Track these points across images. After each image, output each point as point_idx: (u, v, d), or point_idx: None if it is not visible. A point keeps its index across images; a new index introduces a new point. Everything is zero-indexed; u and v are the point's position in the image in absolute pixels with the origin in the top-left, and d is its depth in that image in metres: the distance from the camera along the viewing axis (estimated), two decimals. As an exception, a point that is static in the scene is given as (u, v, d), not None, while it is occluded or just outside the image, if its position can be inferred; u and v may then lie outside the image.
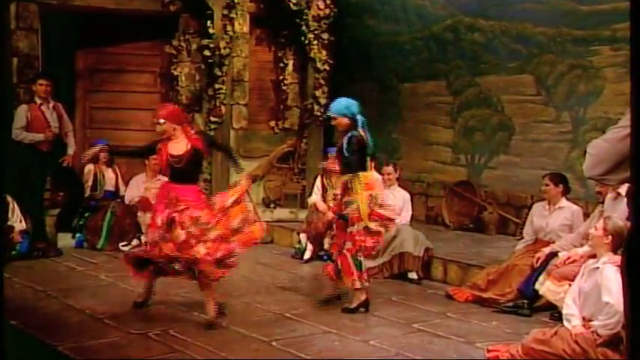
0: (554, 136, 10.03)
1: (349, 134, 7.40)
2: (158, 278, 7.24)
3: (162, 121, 6.92)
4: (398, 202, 9.49)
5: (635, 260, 2.58)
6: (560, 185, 8.00)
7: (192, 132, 7.11)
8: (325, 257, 9.87)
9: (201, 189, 7.28)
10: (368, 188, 7.37)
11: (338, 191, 7.82)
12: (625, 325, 2.81)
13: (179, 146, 6.91)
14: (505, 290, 7.70)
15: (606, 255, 5.79)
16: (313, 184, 10.50)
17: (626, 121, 2.81)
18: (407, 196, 9.66)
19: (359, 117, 7.47)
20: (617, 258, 5.67)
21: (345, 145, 7.36)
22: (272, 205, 12.09)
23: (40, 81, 10.08)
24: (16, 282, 8.04)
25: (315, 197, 10.14)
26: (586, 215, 8.04)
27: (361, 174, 7.39)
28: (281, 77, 12.46)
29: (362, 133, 7.42)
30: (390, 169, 9.60)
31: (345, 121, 7.46)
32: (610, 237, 5.78)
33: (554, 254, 7.42)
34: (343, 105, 7.55)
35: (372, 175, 7.63)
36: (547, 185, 8.04)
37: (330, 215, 9.08)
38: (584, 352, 5.55)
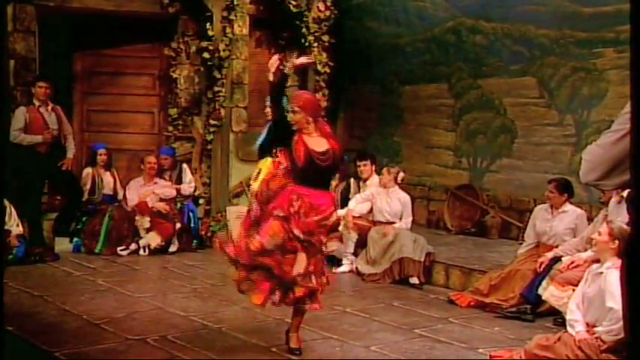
0: (558, 140, 9.97)
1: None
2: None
3: (296, 109, 6.14)
4: (393, 204, 9.42)
5: (636, 266, 2.53)
6: (565, 193, 7.96)
7: (329, 129, 6.27)
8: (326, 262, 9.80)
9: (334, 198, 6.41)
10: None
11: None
12: (624, 329, 2.76)
13: (319, 142, 6.07)
14: (508, 295, 7.66)
15: (610, 260, 5.74)
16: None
17: (618, 124, 2.82)
18: (406, 198, 9.56)
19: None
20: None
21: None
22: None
23: (40, 83, 10.08)
24: (12, 287, 7.96)
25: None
26: (589, 219, 7.99)
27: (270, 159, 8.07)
28: (281, 80, 12.38)
29: None
30: (386, 170, 9.59)
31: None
32: (616, 242, 5.73)
33: (557, 259, 7.36)
34: None
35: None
36: (552, 192, 7.99)
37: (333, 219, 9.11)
38: (588, 358, 5.52)
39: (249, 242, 5.87)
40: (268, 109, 8.42)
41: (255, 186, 8.19)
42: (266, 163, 8.30)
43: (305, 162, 5.92)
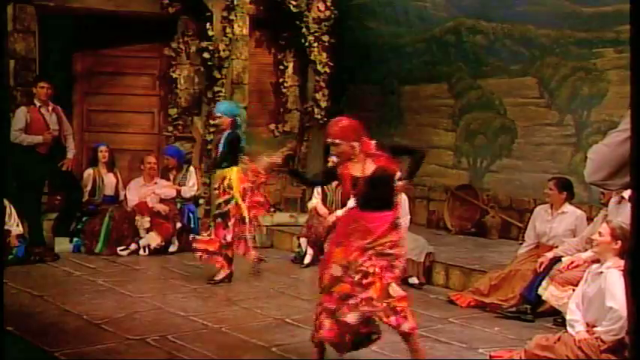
0: (558, 140, 9.96)
1: (228, 132, 8.65)
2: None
3: (337, 141, 5.66)
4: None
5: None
6: (564, 192, 7.93)
7: (374, 146, 5.74)
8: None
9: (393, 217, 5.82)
10: (241, 182, 8.58)
11: (216, 185, 8.92)
12: (629, 330, 2.75)
13: (362, 166, 5.68)
14: (508, 295, 7.65)
15: (611, 259, 5.73)
16: (313, 188, 10.46)
17: (625, 124, 2.80)
18: (403, 197, 9.51)
19: (238, 118, 8.73)
20: (622, 262, 5.60)
21: (223, 142, 8.63)
22: (272, 209, 12.00)
23: (42, 84, 10.07)
24: (12, 287, 7.95)
25: (315, 201, 10.12)
26: (589, 219, 7.98)
27: (235, 168, 8.61)
28: (281, 80, 12.41)
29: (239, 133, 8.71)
30: None
31: (228, 120, 8.67)
32: (619, 242, 5.72)
33: (557, 259, 7.35)
34: (227, 106, 8.97)
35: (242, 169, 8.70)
36: (551, 190, 7.98)
37: (333, 219, 9.25)
38: (588, 358, 5.50)
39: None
40: (219, 120, 8.71)
41: (235, 197, 8.58)
42: (232, 173, 8.54)
43: (349, 190, 5.76)
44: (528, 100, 10.34)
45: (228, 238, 8.57)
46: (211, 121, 9.16)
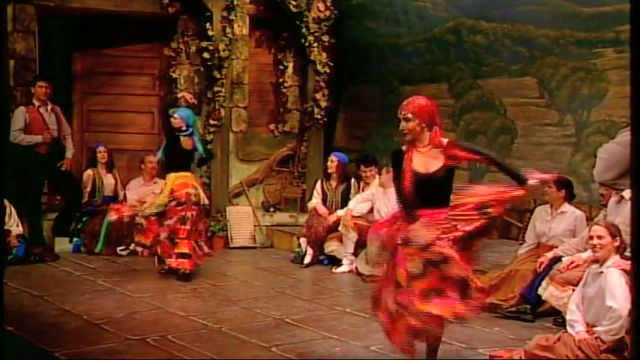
0: (558, 140, 9.94)
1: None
2: None
3: (409, 115, 5.53)
4: (391, 204, 9.38)
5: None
6: (563, 190, 7.93)
7: (444, 139, 5.55)
8: (326, 262, 9.82)
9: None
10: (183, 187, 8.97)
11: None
12: (630, 330, 2.74)
13: (425, 159, 5.54)
14: (508, 295, 7.64)
15: (611, 259, 5.73)
16: (313, 188, 10.47)
17: None
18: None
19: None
20: (622, 261, 5.61)
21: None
22: (272, 209, 12.02)
23: (40, 83, 10.09)
24: (12, 287, 7.97)
25: (315, 201, 10.13)
26: (589, 219, 7.97)
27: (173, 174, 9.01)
28: (281, 80, 12.39)
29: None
30: (385, 170, 9.60)
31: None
32: (617, 238, 5.73)
33: (557, 259, 7.35)
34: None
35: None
36: (550, 187, 7.97)
37: (333, 219, 9.28)
38: (588, 358, 5.51)
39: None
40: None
41: (161, 199, 8.84)
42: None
43: (409, 183, 5.46)
44: (528, 100, 10.33)
45: (162, 236, 8.76)
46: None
